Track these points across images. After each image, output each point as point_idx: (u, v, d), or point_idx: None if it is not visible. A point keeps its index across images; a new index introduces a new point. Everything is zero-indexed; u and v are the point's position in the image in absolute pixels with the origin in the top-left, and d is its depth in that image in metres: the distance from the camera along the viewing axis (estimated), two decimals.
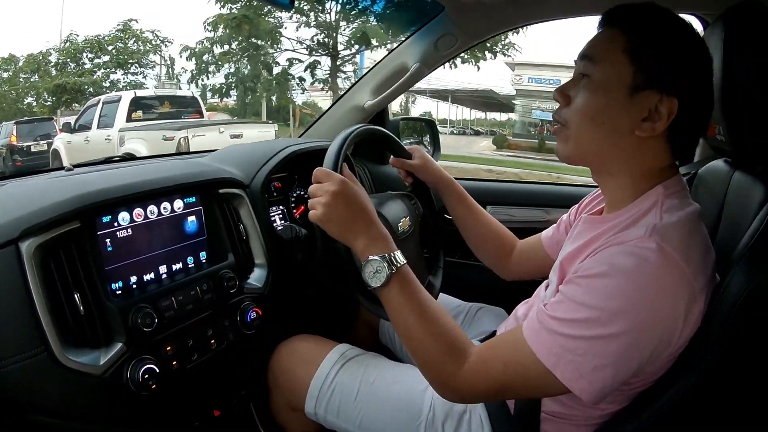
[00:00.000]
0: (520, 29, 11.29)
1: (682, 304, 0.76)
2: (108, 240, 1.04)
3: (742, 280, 0.79)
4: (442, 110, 38.89)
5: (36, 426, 0.95)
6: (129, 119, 9.34)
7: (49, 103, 21.20)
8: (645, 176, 0.87)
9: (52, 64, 21.58)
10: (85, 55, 21.44)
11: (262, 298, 1.27)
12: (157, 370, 1.01)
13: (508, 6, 1.53)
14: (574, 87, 0.90)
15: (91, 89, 20.15)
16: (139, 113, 9.57)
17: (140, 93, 10.35)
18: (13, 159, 12.31)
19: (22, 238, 0.92)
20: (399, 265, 0.91)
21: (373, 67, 1.92)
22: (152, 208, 1.13)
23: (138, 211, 1.10)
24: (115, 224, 1.06)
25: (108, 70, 21.42)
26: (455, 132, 35.19)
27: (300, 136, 2.09)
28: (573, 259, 0.90)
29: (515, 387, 0.83)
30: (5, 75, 22.70)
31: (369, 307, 1.07)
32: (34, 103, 22.50)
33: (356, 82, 1.96)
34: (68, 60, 21.37)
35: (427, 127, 2.13)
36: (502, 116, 41.05)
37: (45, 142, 12.79)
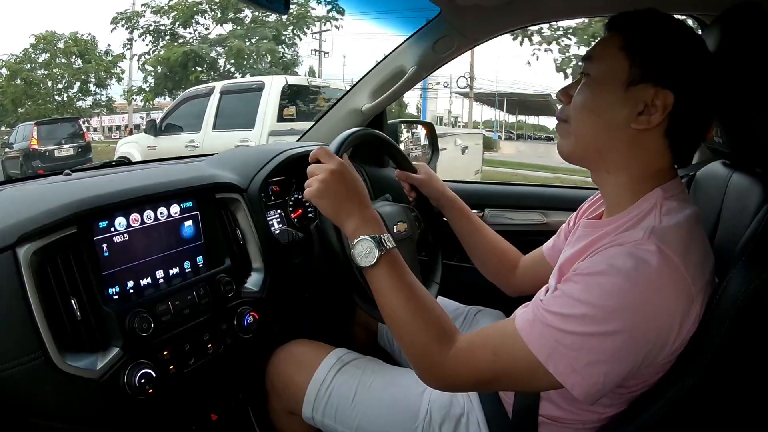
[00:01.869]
0: None
1: (680, 307, 0.77)
2: (105, 245, 1.04)
3: (741, 283, 0.79)
4: (475, 112, 37.35)
5: (35, 429, 0.95)
6: (281, 118, 6.31)
7: (146, 84, 16.52)
8: (643, 177, 0.87)
9: (144, 27, 15.53)
10: (195, 19, 15.84)
11: (260, 302, 1.26)
12: (154, 375, 1.01)
13: (505, 8, 1.53)
14: (575, 87, 0.92)
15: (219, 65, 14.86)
16: (292, 109, 6.57)
17: (292, 80, 6.78)
18: (33, 165, 10.93)
19: (19, 244, 0.92)
20: (389, 247, 0.91)
21: (371, 70, 1.92)
22: (149, 213, 1.13)
23: (135, 216, 1.10)
24: (112, 229, 1.06)
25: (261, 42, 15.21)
26: (503, 137, 32.33)
27: (298, 140, 2.09)
28: (572, 262, 0.90)
29: (503, 378, 0.83)
30: (43, 57, 18.36)
31: (366, 309, 1.07)
32: (80, 96, 18.54)
33: (354, 85, 1.96)
34: (178, 21, 15.42)
35: (426, 130, 2.14)
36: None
37: (71, 146, 11.57)
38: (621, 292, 0.75)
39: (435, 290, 1.29)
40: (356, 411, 1.14)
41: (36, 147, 11.27)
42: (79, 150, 11.75)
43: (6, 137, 13.52)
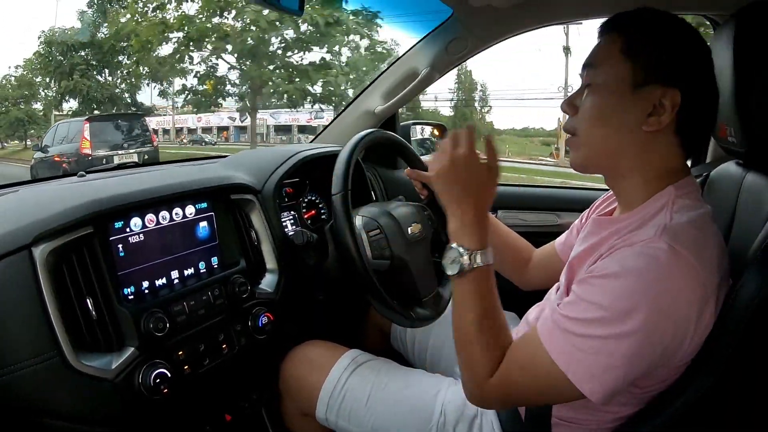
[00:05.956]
0: None
1: (695, 303, 0.76)
2: (120, 245, 1.05)
3: (756, 284, 0.78)
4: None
5: (49, 430, 0.96)
6: None
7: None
8: (657, 176, 0.87)
9: None
10: None
11: (274, 303, 1.27)
12: (169, 375, 1.01)
13: (518, 9, 1.52)
14: (580, 96, 0.92)
15: None
16: None
17: None
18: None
19: (35, 244, 0.92)
20: (478, 264, 0.90)
21: (383, 71, 1.92)
22: (164, 213, 1.13)
23: (150, 216, 1.10)
24: (128, 230, 1.06)
25: None
26: None
27: (311, 141, 2.10)
28: (583, 260, 0.89)
29: (530, 391, 0.84)
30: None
31: (380, 310, 1.07)
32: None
33: (367, 86, 1.96)
34: None
35: (440, 132, 2.13)
36: None
37: (135, 151, 9.08)
38: (634, 292, 0.75)
39: (449, 287, 1.29)
40: (370, 412, 1.14)
41: (89, 151, 8.86)
42: (145, 157, 9.16)
43: (41, 138, 10.29)
